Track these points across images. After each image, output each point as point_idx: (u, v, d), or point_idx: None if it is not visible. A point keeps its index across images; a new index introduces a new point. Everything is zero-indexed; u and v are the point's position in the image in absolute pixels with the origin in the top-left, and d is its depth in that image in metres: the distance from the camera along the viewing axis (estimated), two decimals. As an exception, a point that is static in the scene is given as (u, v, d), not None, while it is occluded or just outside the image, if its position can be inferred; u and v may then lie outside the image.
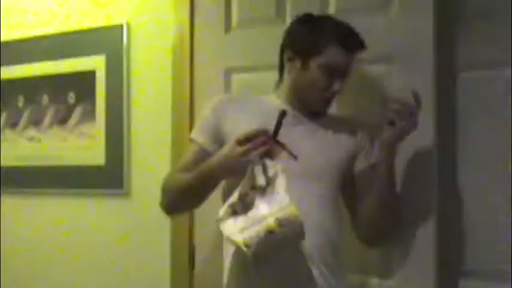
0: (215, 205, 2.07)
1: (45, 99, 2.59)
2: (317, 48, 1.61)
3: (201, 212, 2.11)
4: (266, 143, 1.48)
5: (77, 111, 2.50)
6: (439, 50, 1.83)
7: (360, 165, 1.73)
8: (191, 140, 1.75)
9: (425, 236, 1.79)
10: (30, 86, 2.63)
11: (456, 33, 1.90)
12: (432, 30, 1.80)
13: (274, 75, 1.96)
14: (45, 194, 2.59)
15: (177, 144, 2.23)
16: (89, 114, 2.47)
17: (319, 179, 1.65)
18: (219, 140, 1.68)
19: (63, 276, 2.53)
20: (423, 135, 1.78)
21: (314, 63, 1.62)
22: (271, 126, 1.51)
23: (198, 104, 2.16)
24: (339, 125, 1.74)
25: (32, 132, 2.63)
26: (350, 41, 1.62)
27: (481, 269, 1.86)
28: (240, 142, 1.49)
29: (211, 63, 2.13)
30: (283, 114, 1.51)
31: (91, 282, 2.46)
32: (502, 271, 1.83)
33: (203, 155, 1.68)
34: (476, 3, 1.89)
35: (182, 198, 1.70)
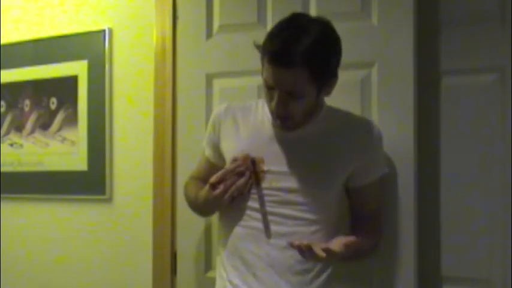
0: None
1: (27, 104, 2.58)
2: (262, 59, 1.52)
3: (183, 219, 2.12)
4: (243, 174, 1.58)
5: (59, 117, 2.49)
6: (420, 56, 1.84)
7: (355, 183, 1.67)
8: (203, 148, 1.82)
9: (406, 243, 1.79)
10: (12, 91, 2.61)
11: (439, 39, 1.91)
12: (413, 36, 1.81)
13: (255, 80, 1.97)
14: (27, 199, 2.57)
15: (159, 149, 2.23)
16: (71, 120, 2.45)
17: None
18: (221, 155, 1.73)
19: (45, 279, 2.51)
20: (403, 140, 1.80)
21: (262, 76, 1.53)
22: (261, 139, 1.62)
23: (180, 109, 2.15)
24: (328, 134, 1.63)
25: (13, 137, 2.61)
26: (278, 57, 1.44)
27: (462, 276, 1.87)
28: (213, 186, 1.58)
29: (193, 68, 2.13)
30: (253, 163, 1.59)
31: (73, 286, 2.45)
32: (483, 279, 1.84)
33: (211, 166, 1.77)
34: (460, 10, 1.90)
35: (194, 210, 1.80)
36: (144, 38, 2.31)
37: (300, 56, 1.41)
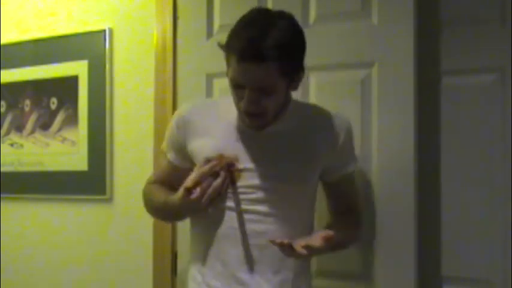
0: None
1: (27, 104, 2.58)
2: (227, 58, 1.47)
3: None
4: (218, 174, 1.51)
5: (59, 117, 2.49)
6: (420, 56, 1.84)
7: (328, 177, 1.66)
8: (163, 152, 1.74)
9: (406, 243, 1.80)
10: (12, 91, 2.61)
11: (439, 39, 1.91)
12: (413, 36, 1.81)
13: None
14: (27, 199, 2.58)
15: (160, 149, 2.23)
16: (72, 120, 2.45)
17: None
18: (187, 156, 1.65)
19: (45, 279, 2.51)
20: (403, 140, 1.80)
21: (228, 76, 1.49)
22: (232, 138, 1.57)
23: (180, 110, 2.16)
24: (296, 132, 1.59)
25: (14, 137, 2.61)
26: (249, 53, 1.39)
27: (462, 276, 1.87)
28: (188, 190, 1.49)
29: (193, 68, 2.13)
30: (228, 162, 1.54)
31: (73, 286, 2.45)
32: (483, 279, 1.84)
33: (175, 169, 1.69)
34: (460, 10, 1.90)
35: (157, 216, 1.79)
36: (145, 38, 2.31)
37: (271, 50, 1.38)
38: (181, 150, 1.65)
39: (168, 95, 2.21)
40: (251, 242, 1.55)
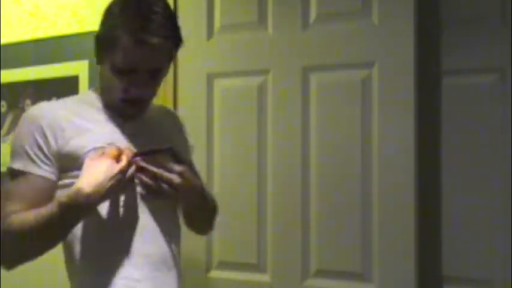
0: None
1: (27, 104, 2.57)
2: (108, 49, 1.36)
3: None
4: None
5: (60, 117, 2.48)
6: (420, 55, 1.84)
7: None
8: (21, 173, 1.38)
9: (406, 243, 1.80)
10: (13, 91, 2.61)
11: (439, 39, 1.91)
12: (413, 36, 1.81)
13: (256, 80, 1.97)
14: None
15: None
16: (72, 120, 2.45)
17: None
18: (59, 166, 1.40)
19: (45, 279, 2.51)
20: (404, 139, 1.80)
21: (107, 60, 1.38)
22: (111, 133, 1.43)
23: (181, 109, 2.15)
24: (155, 125, 1.54)
25: (14, 137, 2.61)
26: (141, 34, 1.32)
27: (462, 276, 1.87)
28: (116, 156, 1.33)
29: (194, 68, 2.13)
30: (168, 149, 1.41)
31: None
32: (483, 279, 1.84)
33: (49, 185, 1.39)
34: (460, 10, 1.90)
35: (34, 242, 1.36)
36: (145, 38, 2.31)
37: (162, 30, 1.33)
38: (55, 159, 1.39)
39: (169, 95, 2.20)
40: (147, 236, 1.43)
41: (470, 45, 1.87)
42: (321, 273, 1.91)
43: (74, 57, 2.45)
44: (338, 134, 1.91)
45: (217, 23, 2.10)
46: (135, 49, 1.33)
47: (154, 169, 1.37)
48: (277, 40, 1.99)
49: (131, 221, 1.42)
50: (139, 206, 1.43)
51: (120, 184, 1.31)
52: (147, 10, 1.34)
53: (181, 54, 2.17)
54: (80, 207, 1.29)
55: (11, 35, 2.63)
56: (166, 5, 1.41)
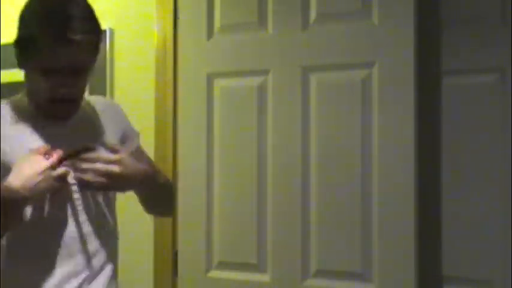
0: (199, 210, 2.09)
1: (28, 104, 2.57)
2: (29, 40, 1.32)
3: (184, 218, 2.12)
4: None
5: (60, 117, 2.48)
6: (420, 55, 1.84)
7: None
8: None
9: (406, 243, 1.80)
10: (13, 92, 2.59)
11: (439, 39, 1.91)
12: (413, 36, 1.81)
13: (256, 80, 1.97)
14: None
15: (160, 149, 2.23)
16: (72, 120, 2.45)
17: None
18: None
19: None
20: (403, 140, 1.80)
21: (29, 61, 1.35)
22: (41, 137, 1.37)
23: (181, 109, 2.16)
24: (87, 126, 1.48)
25: (14, 137, 2.61)
26: (64, 31, 1.25)
27: (462, 276, 1.87)
28: (46, 152, 1.29)
29: (194, 68, 2.13)
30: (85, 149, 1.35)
31: None
32: (483, 279, 1.84)
33: None
34: (460, 10, 1.90)
35: None
36: (145, 38, 2.31)
37: (84, 24, 1.29)
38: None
39: (169, 95, 2.21)
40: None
41: (470, 45, 1.87)
42: (321, 273, 1.92)
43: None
44: (338, 134, 1.91)
45: (217, 23, 2.10)
46: (57, 48, 1.28)
47: (91, 165, 1.32)
48: (277, 40, 1.99)
49: (61, 225, 1.37)
50: (74, 209, 1.39)
51: (49, 180, 1.26)
52: (65, 4, 1.29)
53: (181, 54, 2.19)
54: (10, 203, 1.21)
55: (11, 35, 2.63)
56: None
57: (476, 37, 1.86)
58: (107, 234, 1.49)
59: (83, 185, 1.35)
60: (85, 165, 1.32)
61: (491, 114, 1.84)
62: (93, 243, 1.43)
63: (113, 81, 2.39)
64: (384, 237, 1.82)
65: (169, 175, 2.20)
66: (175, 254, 2.20)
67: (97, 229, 1.44)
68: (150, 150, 2.26)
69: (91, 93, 2.41)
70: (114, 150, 1.39)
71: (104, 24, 2.36)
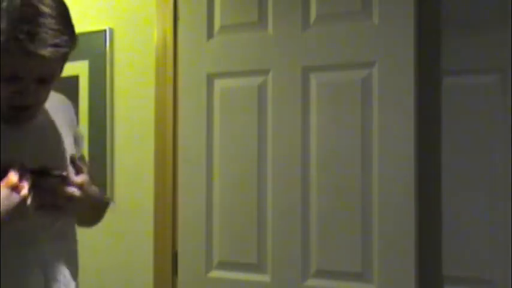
0: (199, 210, 2.09)
1: (27, 104, 2.57)
2: None
3: (184, 218, 2.12)
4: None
5: (60, 117, 2.48)
6: (421, 56, 1.84)
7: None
8: None
9: (406, 243, 1.80)
10: None
11: (439, 39, 1.91)
12: (413, 36, 1.82)
13: (256, 80, 1.97)
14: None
15: (160, 149, 2.23)
16: (72, 120, 2.45)
17: None
18: None
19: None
20: (404, 139, 1.80)
21: None
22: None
23: (181, 109, 2.16)
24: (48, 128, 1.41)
25: (14, 137, 2.61)
26: (34, 42, 1.15)
27: (462, 276, 1.87)
28: (15, 185, 1.22)
29: (194, 68, 2.13)
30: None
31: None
32: (483, 278, 1.84)
33: None
34: (461, 10, 1.90)
35: None
36: (145, 38, 2.31)
37: (54, 37, 1.17)
38: None
39: (169, 95, 2.21)
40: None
41: (470, 45, 1.87)
42: (321, 273, 1.92)
43: (74, 57, 2.42)
44: (338, 134, 1.91)
45: (217, 23, 2.10)
46: (23, 60, 1.18)
47: (52, 186, 1.27)
48: (277, 40, 2.00)
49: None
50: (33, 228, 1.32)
51: (21, 214, 1.21)
52: (35, 12, 1.16)
53: (181, 54, 2.19)
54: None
55: None
56: (56, 3, 1.22)
57: (476, 37, 1.87)
58: (68, 253, 1.45)
59: (41, 206, 1.29)
60: (46, 186, 1.26)
61: (491, 114, 1.85)
62: (55, 263, 1.39)
63: (112, 81, 2.38)
64: (384, 237, 1.82)
65: (170, 175, 2.20)
66: (175, 254, 2.19)
67: (58, 248, 1.40)
68: (150, 150, 2.27)
69: (91, 93, 2.41)
70: (78, 169, 1.35)
71: (104, 24, 2.39)
